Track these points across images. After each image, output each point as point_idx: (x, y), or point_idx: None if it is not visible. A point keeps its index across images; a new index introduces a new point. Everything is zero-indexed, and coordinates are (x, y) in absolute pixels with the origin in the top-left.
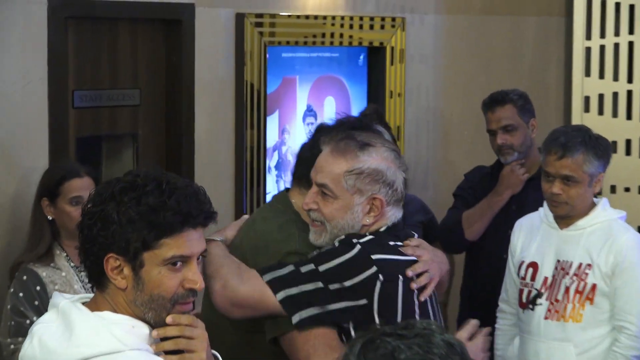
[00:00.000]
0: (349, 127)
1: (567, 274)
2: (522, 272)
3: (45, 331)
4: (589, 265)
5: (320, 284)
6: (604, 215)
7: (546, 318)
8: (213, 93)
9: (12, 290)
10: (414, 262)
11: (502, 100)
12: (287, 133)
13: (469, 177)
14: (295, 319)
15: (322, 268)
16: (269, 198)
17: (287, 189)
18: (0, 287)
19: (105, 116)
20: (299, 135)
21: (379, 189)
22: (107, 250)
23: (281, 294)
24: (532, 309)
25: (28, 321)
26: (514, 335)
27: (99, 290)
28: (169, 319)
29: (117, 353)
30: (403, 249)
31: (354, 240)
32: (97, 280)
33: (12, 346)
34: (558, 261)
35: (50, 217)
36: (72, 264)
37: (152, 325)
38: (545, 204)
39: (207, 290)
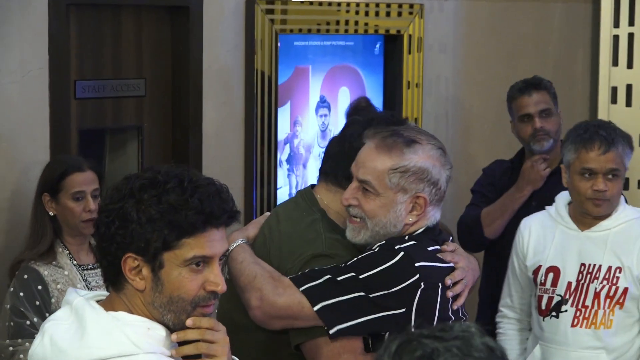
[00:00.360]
0: (383, 122)
1: (596, 278)
2: (541, 278)
3: (56, 329)
4: (619, 268)
5: (361, 293)
6: (627, 215)
7: (574, 325)
8: (222, 84)
9: (12, 289)
10: (452, 269)
11: (539, 84)
12: (299, 125)
13: (488, 172)
14: (334, 330)
15: (362, 276)
16: (280, 193)
17: (312, 185)
18: (1, 286)
19: (108, 108)
20: (311, 127)
21: (423, 187)
22: (126, 249)
23: (319, 306)
24: (557, 317)
25: (28, 322)
26: (522, 340)
27: (115, 290)
28: (189, 322)
29: (130, 356)
30: (441, 254)
31: (397, 247)
32: (114, 280)
33: (11, 348)
34: (583, 265)
35: (51, 213)
36: (74, 262)
37: (171, 328)
38: (558, 201)
39: (232, 293)
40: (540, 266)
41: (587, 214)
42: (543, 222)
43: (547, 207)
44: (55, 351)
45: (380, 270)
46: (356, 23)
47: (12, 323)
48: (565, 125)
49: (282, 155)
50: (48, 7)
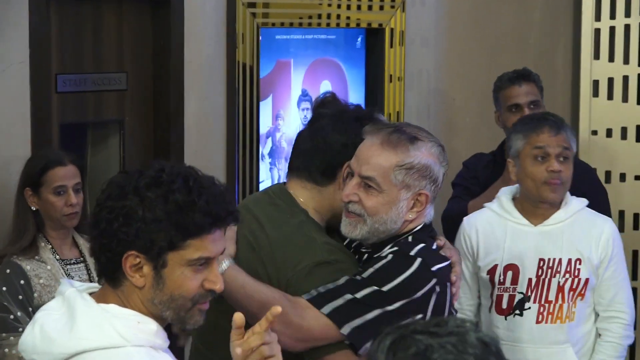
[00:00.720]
0: (353, 117)
1: (558, 272)
2: (499, 277)
3: (47, 319)
4: (579, 259)
5: (385, 308)
6: (575, 206)
7: (539, 322)
8: (203, 77)
9: None
10: (450, 264)
11: (529, 76)
12: (281, 119)
13: (469, 166)
14: (362, 349)
15: (386, 288)
16: (262, 187)
17: (284, 183)
18: None
19: (90, 101)
20: (293, 121)
21: (425, 184)
22: (128, 247)
23: (347, 328)
24: (521, 315)
25: (12, 316)
26: None
27: (111, 286)
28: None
29: (118, 348)
30: (442, 250)
31: (411, 253)
32: (111, 276)
33: None
34: (542, 260)
35: (34, 208)
36: (57, 257)
37: (169, 323)
38: (502, 198)
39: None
40: (496, 265)
41: (541, 203)
42: (489, 219)
43: (488, 205)
44: (45, 340)
45: (402, 280)
46: (338, 17)
47: None
48: None
49: (264, 149)
50: (28, 0)
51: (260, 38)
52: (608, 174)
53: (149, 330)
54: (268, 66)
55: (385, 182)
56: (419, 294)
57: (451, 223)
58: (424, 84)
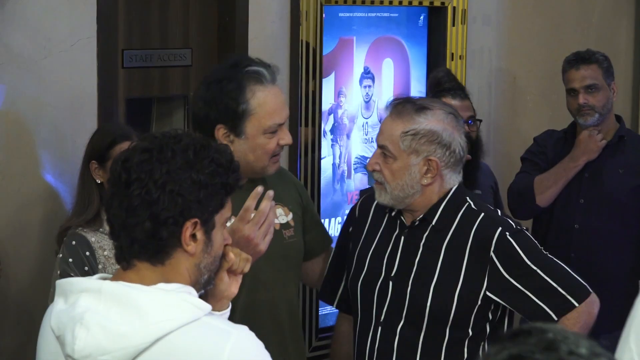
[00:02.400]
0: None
1: None
2: None
3: (101, 318)
4: None
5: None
6: None
7: None
8: (267, 54)
9: (60, 255)
10: None
11: (589, 58)
12: (343, 96)
13: (539, 142)
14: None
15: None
16: (323, 163)
17: None
18: (47, 253)
19: (155, 77)
20: (355, 98)
21: (435, 149)
22: (189, 216)
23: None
24: None
25: None
26: None
27: (154, 262)
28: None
29: (196, 321)
30: None
31: (518, 226)
32: (162, 251)
33: None
34: None
35: (99, 181)
36: None
37: (197, 289)
38: None
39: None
40: None
41: None
42: None
43: None
44: (114, 338)
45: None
46: None
47: None
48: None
49: (326, 125)
50: None
51: (323, 16)
52: None
53: (198, 297)
54: (331, 44)
55: (395, 149)
56: None
57: (518, 196)
58: (486, 62)
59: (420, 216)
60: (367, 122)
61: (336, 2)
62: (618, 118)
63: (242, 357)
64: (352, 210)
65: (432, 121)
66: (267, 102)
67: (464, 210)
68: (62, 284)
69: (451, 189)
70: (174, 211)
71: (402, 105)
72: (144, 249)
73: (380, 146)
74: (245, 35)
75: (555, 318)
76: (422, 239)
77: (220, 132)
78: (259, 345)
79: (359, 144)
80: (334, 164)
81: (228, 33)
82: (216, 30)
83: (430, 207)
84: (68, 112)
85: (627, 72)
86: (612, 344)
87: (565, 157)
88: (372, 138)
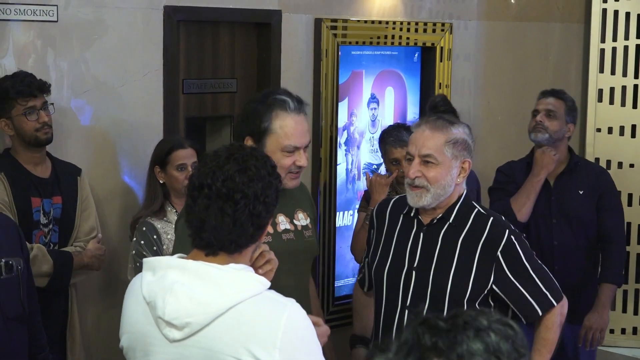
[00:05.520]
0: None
1: None
2: None
3: (186, 289)
4: None
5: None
6: None
7: None
8: (295, 83)
9: (134, 239)
10: None
11: (559, 93)
12: (355, 116)
13: (506, 172)
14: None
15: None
16: (339, 169)
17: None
18: (123, 237)
19: (208, 100)
20: (363, 117)
21: (467, 154)
22: (272, 211)
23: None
24: None
25: None
26: None
27: (231, 252)
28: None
29: (260, 294)
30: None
31: (512, 228)
32: (245, 243)
33: None
34: None
35: (161, 181)
36: None
37: None
38: None
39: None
40: None
41: None
42: None
43: None
44: (199, 304)
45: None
46: (400, 37)
47: (137, 264)
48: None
49: (341, 138)
50: (163, 23)
51: (339, 53)
52: (609, 163)
53: None
54: (345, 75)
55: (440, 156)
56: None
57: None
58: (466, 90)
59: (440, 215)
60: (373, 136)
61: (350, 43)
62: (569, 149)
63: (295, 324)
64: (371, 215)
65: (462, 132)
66: (287, 125)
67: (476, 213)
68: (150, 261)
69: (463, 192)
70: (269, 218)
71: (436, 121)
72: (239, 247)
73: (423, 156)
74: (279, 68)
75: (540, 313)
76: (440, 234)
77: (249, 143)
78: (305, 314)
79: (367, 154)
80: (347, 169)
81: (265, 66)
82: (256, 65)
83: (449, 207)
84: (140, 128)
85: (576, 98)
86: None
87: (529, 176)
88: (377, 149)
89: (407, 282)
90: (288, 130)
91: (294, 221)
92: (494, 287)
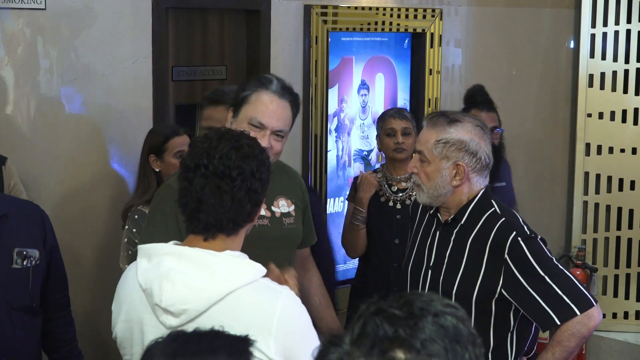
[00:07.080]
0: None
1: None
2: None
3: (182, 276)
4: None
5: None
6: None
7: None
8: (285, 70)
9: (127, 227)
10: None
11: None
12: (345, 102)
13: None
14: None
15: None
16: (329, 155)
17: None
18: (113, 225)
19: (198, 88)
20: (354, 104)
21: (462, 156)
22: (265, 191)
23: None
24: None
25: None
26: None
27: (227, 233)
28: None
29: (256, 281)
30: None
31: (532, 234)
32: (240, 225)
33: None
34: None
35: (157, 170)
36: None
37: None
38: None
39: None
40: None
41: None
42: None
43: None
44: (195, 291)
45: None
46: (390, 23)
47: (129, 252)
48: (551, 106)
49: (332, 125)
50: (152, 10)
51: (329, 40)
52: (599, 148)
53: None
54: (335, 61)
55: (429, 154)
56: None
57: None
58: (456, 75)
59: (453, 215)
60: (363, 123)
61: (340, 29)
62: None
63: (290, 311)
64: (410, 209)
65: (461, 132)
66: (262, 100)
67: (489, 213)
68: (145, 248)
69: (479, 192)
70: (264, 194)
71: (436, 117)
72: (237, 226)
73: (418, 152)
74: (268, 55)
75: (559, 322)
76: (452, 235)
77: (230, 114)
78: (299, 301)
79: (357, 140)
80: (337, 156)
81: (255, 53)
82: (245, 52)
83: (461, 207)
84: (129, 115)
85: (567, 83)
86: None
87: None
88: (367, 135)
89: (425, 279)
90: (260, 104)
91: (272, 207)
92: (502, 291)
